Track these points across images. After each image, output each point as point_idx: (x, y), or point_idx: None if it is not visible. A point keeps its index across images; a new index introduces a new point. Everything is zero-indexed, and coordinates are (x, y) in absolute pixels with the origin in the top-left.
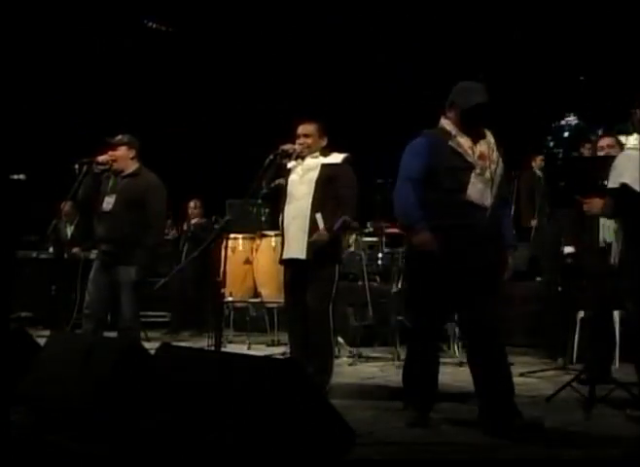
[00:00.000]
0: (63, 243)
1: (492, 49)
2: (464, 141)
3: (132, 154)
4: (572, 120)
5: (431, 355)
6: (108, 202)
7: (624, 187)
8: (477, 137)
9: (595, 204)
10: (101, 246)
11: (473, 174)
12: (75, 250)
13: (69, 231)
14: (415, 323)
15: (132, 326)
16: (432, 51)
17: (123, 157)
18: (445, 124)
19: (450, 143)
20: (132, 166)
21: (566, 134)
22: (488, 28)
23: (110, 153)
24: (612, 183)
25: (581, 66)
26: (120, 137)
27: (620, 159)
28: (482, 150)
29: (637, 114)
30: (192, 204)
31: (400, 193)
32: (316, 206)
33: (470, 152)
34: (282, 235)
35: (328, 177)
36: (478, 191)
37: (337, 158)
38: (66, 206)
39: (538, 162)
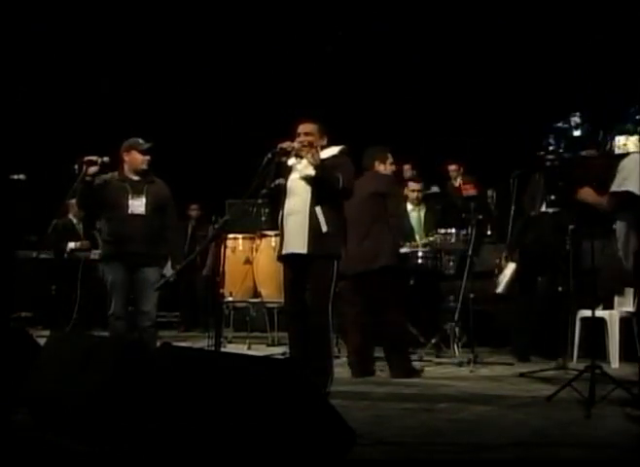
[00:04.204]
0: (62, 239)
1: (491, 49)
2: None
3: None
4: (577, 119)
5: None
6: (137, 205)
7: (628, 193)
8: None
9: (586, 193)
10: (127, 247)
11: None
12: (82, 243)
13: (79, 228)
14: None
15: (153, 325)
16: (431, 50)
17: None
18: None
19: None
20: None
21: (577, 133)
22: (488, 28)
23: (142, 158)
24: (616, 186)
25: (582, 65)
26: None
27: (627, 162)
28: None
29: None
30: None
31: None
32: (316, 200)
33: None
34: (281, 232)
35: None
36: None
37: (333, 150)
38: (74, 205)
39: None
